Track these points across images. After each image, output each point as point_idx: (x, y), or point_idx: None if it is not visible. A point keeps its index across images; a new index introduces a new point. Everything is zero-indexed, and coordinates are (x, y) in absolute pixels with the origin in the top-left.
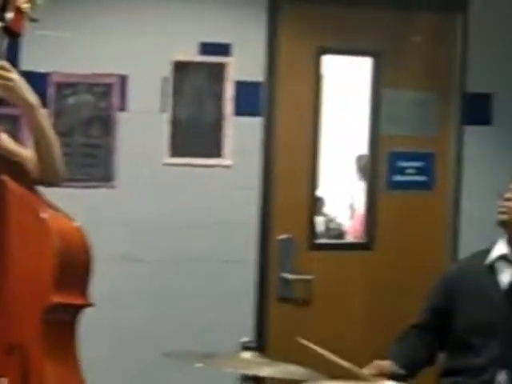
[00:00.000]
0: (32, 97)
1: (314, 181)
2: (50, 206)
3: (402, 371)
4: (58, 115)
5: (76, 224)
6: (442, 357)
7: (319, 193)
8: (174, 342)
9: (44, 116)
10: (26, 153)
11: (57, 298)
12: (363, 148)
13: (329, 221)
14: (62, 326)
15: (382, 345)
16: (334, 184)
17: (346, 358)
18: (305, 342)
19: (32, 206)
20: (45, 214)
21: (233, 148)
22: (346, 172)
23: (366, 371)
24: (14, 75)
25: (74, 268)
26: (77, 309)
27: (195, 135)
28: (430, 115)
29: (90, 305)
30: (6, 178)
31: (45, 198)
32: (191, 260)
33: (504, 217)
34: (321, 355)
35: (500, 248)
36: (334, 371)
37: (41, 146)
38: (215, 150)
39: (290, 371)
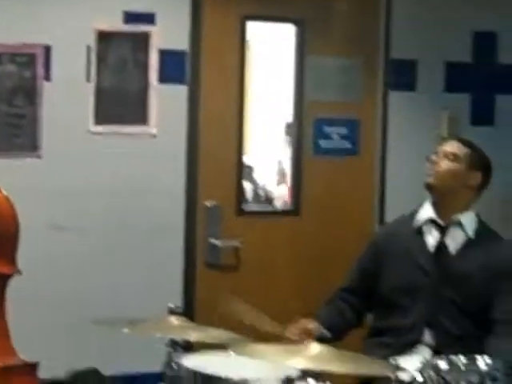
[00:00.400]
0: None
1: (240, 148)
2: None
3: (327, 333)
4: None
5: (2, 193)
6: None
7: (248, 161)
8: (102, 309)
9: None
10: None
11: None
12: (290, 114)
13: (257, 188)
14: None
15: (310, 310)
16: (263, 151)
17: (274, 322)
18: (232, 299)
19: None
20: None
21: (158, 116)
22: (275, 139)
23: (290, 330)
24: None
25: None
26: (3, 277)
27: (120, 104)
28: (354, 81)
29: (16, 273)
30: None
31: None
32: (119, 227)
33: (430, 180)
34: (245, 315)
35: (426, 211)
36: (260, 336)
37: None
38: (140, 119)
39: (216, 336)
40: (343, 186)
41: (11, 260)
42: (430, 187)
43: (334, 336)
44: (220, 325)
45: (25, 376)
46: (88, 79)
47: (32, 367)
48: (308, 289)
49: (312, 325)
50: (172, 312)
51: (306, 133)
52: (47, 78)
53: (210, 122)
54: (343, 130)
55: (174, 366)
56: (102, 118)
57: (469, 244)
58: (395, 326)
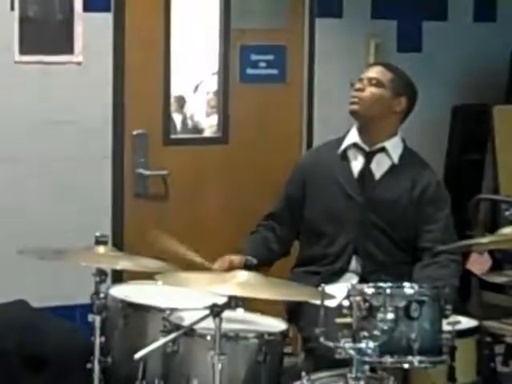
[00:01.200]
0: None
1: (167, 76)
2: None
3: (253, 260)
4: None
5: None
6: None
7: (176, 91)
8: (30, 240)
9: None
10: None
11: None
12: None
13: (186, 118)
14: None
15: (238, 238)
16: (190, 80)
17: (202, 252)
18: (160, 236)
19: None
20: None
21: (84, 45)
22: (202, 67)
23: (216, 265)
24: None
25: None
26: None
27: (45, 32)
28: (281, 8)
29: None
30: None
31: None
32: (45, 157)
33: (355, 107)
34: (174, 250)
35: (352, 136)
36: (187, 265)
37: None
38: (66, 47)
39: (145, 264)
40: (271, 114)
41: None
42: (354, 114)
43: (260, 266)
44: (150, 255)
45: None
46: (12, 8)
47: None
48: (236, 216)
49: (237, 259)
50: (99, 241)
51: (232, 60)
52: None
53: (137, 50)
54: (269, 58)
55: (102, 296)
56: (27, 46)
57: (394, 170)
58: (322, 255)
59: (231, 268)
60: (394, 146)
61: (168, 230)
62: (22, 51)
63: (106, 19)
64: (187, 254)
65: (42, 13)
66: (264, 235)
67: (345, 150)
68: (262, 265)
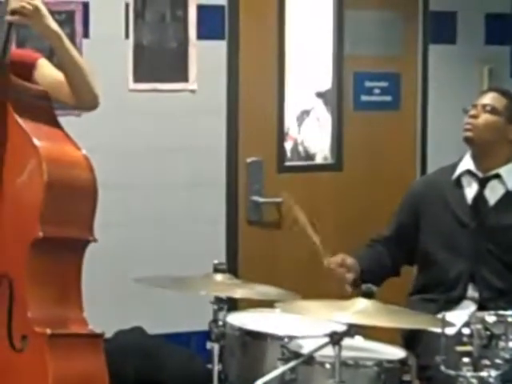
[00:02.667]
0: (55, 25)
1: (281, 103)
2: (60, 136)
3: (373, 288)
4: (20, 45)
5: (82, 153)
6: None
7: (288, 118)
8: (145, 269)
9: (68, 42)
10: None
11: (45, 232)
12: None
13: (297, 144)
14: (55, 258)
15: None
16: (303, 106)
17: (317, 281)
18: (288, 198)
19: (28, 134)
20: (39, 142)
21: (198, 72)
22: (313, 96)
23: (331, 260)
24: (37, 2)
25: (71, 200)
26: (74, 243)
27: (159, 60)
28: (394, 35)
29: (89, 240)
30: (10, 104)
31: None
32: (160, 186)
33: (469, 134)
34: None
35: (466, 163)
36: (306, 292)
37: (74, 73)
38: (180, 75)
39: (263, 292)
40: (384, 141)
41: (82, 225)
42: (468, 141)
43: (369, 278)
44: (264, 282)
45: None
46: (127, 36)
47: (99, 337)
48: (351, 244)
49: (350, 260)
50: (217, 269)
51: (345, 88)
52: (86, 35)
53: (250, 77)
54: (383, 84)
55: (220, 324)
56: (141, 75)
57: (508, 196)
58: (438, 282)
59: (343, 265)
60: (509, 173)
61: (282, 256)
62: (136, 79)
63: (220, 47)
64: (309, 231)
65: (156, 41)
66: (378, 250)
67: (458, 177)
68: (371, 278)
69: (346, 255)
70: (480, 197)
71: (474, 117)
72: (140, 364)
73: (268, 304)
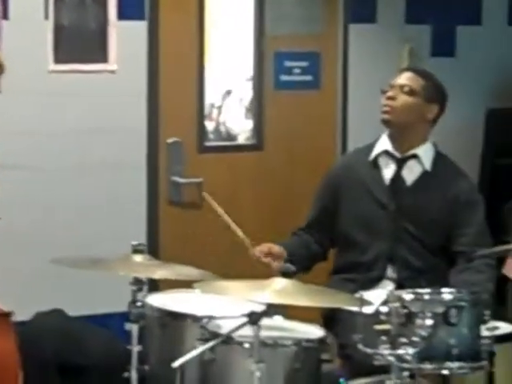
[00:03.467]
0: None
1: (201, 84)
2: None
3: (291, 267)
4: None
5: None
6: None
7: (209, 98)
8: (65, 249)
9: None
10: None
11: None
12: (250, 48)
13: (219, 125)
14: None
15: (274, 243)
16: (224, 87)
17: (236, 260)
18: (209, 198)
19: None
20: None
21: (118, 53)
22: (236, 74)
23: (257, 249)
24: None
25: None
26: None
27: (80, 41)
28: (314, 14)
29: None
30: None
31: None
32: (81, 166)
33: (387, 116)
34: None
35: (383, 143)
36: (227, 273)
37: None
38: (100, 56)
39: (183, 272)
40: (305, 120)
41: None
42: (386, 123)
43: (299, 266)
44: (185, 263)
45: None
46: (46, 17)
47: (6, 316)
48: (273, 224)
49: (278, 248)
50: (136, 250)
51: (266, 67)
52: (5, 16)
53: (171, 57)
54: (304, 64)
55: (139, 305)
56: (61, 55)
57: (426, 176)
58: (357, 263)
59: (269, 254)
60: (426, 153)
61: (203, 237)
62: (57, 60)
63: (140, 27)
64: (233, 226)
65: (76, 21)
66: (304, 238)
67: (376, 158)
68: (300, 266)
69: (272, 244)
70: (398, 177)
71: (392, 98)
72: (60, 347)
73: (189, 285)
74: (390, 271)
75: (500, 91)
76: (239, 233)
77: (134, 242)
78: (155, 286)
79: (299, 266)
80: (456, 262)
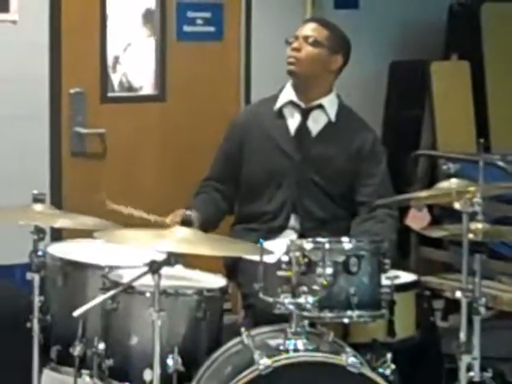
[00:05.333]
0: None
1: (103, 34)
2: None
3: (191, 215)
4: None
5: None
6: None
7: (111, 50)
8: None
9: None
10: None
11: None
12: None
13: (122, 76)
14: None
15: (177, 194)
16: (126, 38)
17: (141, 208)
18: (114, 206)
19: None
20: None
21: (19, 3)
22: (138, 25)
23: (169, 219)
24: None
25: None
26: None
27: None
28: None
29: None
30: None
31: None
32: None
33: (292, 67)
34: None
35: (287, 93)
36: (128, 222)
37: None
38: (1, 5)
39: (83, 222)
40: (208, 71)
41: None
42: (292, 74)
43: (210, 225)
44: (89, 213)
45: None
46: None
47: None
48: (173, 174)
49: (191, 214)
50: (36, 199)
51: (168, 18)
52: None
53: (73, 6)
54: (207, 15)
55: (40, 254)
56: None
57: (330, 126)
58: (261, 212)
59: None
60: (331, 103)
61: (106, 187)
62: None
63: None
64: (141, 214)
65: None
66: (211, 195)
67: (281, 108)
68: (212, 224)
69: (184, 211)
70: (303, 127)
71: (297, 50)
72: None
73: (91, 235)
74: (293, 221)
75: (403, 43)
76: (151, 217)
77: (35, 192)
78: (58, 236)
79: (210, 224)
80: (358, 213)
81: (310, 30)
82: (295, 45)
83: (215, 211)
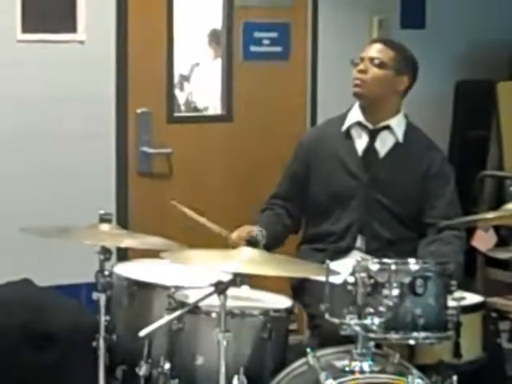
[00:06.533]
0: None
1: (170, 54)
2: None
3: (258, 237)
4: None
5: None
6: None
7: (180, 69)
8: (33, 219)
9: None
10: None
11: None
12: (218, 20)
13: (189, 96)
14: None
15: (243, 214)
16: (193, 58)
17: (205, 231)
18: (178, 205)
19: None
20: None
21: (86, 22)
22: (203, 46)
23: (235, 234)
24: None
25: None
26: None
27: (48, 10)
28: None
29: None
30: None
31: None
32: (50, 136)
33: (358, 89)
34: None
35: (355, 114)
36: (196, 243)
37: None
38: (69, 25)
39: (149, 242)
40: (274, 91)
41: None
42: (358, 96)
43: (275, 243)
44: (154, 233)
45: None
46: None
47: None
48: (242, 194)
49: (255, 227)
50: (102, 219)
51: (235, 38)
52: None
53: (140, 26)
54: (273, 35)
55: (107, 274)
56: (29, 25)
57: (398, 147)
58: (327, 233)
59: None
60: (398, 124)
61: (172, 207)
62: (25, 29)
63: None
64: (205, 222)
65: None
66: (277, 212)
67: (348, 128)
68: (277, 241)
69: (250, 226)
70: (370, 148)
71: (363, 72)
72: (28, 317)
73: (157, 255)
74: (360, 242)
75: (469, 63)
76: (215, 227)
77: (102, 212)
78: (124, 256)
79: (276, 242)
80: (426, 234)
81: (375, 51)
82: (361, 67)
83: (280, 228)
